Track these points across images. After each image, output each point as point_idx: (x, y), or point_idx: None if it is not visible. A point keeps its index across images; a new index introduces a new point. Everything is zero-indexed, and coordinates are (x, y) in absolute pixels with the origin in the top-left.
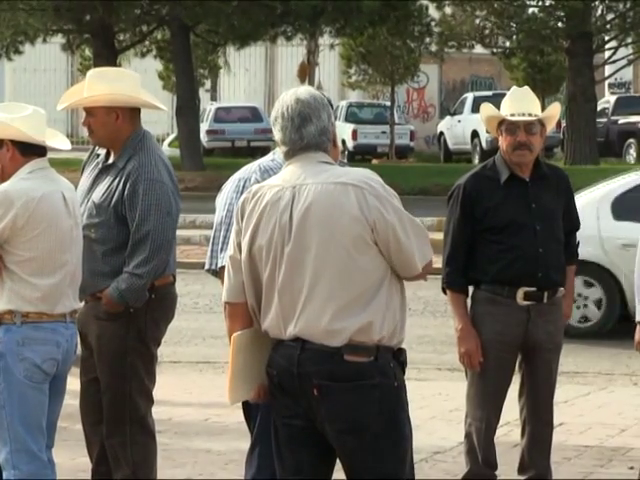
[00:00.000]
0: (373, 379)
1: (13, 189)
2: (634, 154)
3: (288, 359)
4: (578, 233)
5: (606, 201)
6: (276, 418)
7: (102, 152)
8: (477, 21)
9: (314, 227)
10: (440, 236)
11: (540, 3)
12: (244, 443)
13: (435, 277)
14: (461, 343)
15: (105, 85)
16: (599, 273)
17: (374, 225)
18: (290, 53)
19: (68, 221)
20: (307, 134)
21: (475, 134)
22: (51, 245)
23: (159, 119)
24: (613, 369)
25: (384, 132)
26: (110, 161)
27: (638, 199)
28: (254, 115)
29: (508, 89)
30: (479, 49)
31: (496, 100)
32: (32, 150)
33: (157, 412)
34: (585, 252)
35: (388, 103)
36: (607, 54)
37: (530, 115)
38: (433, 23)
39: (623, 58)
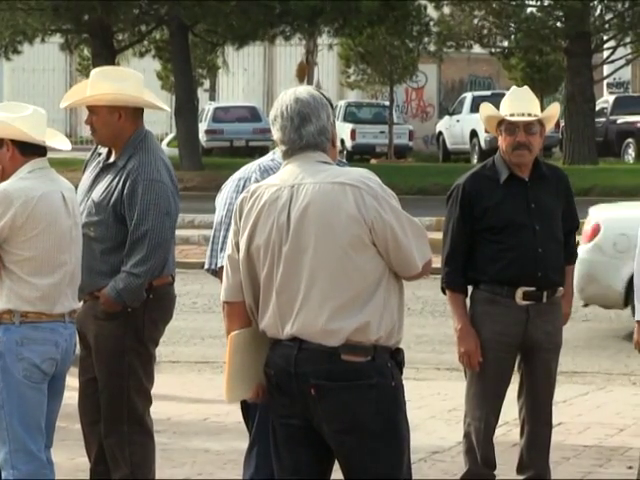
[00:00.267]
0: (370, 379)
1: (12, 188)
2: (633, 154)
3: (286, 359)
4: None
5: None
6: (274, 418)
7: (104, 151)
8: (475, 21)
9: (312, 227)
10: (439, 236)
11: (539, 3)
12: (243, 443)
13: (434, 277)
14: (460, 343)
15: (108, 84)
16: None
17: (372, 225)
18: (289, 53)
19: (67, 221)
20: (306, 134)
21: (474, 134)
22: (50, 245)
23: (158, 119)
24: (612, 369)
25: (383, 132)
26: (111, 160)
27: None
28: (253, 115)
29: (507, 89)
30: (478, 49)
31: (495, 100)
32: (32, 150)
33: (156, 412)
34: None
35: (387, 103)
36: (606, 54)
37: (530, 115)
38: (432, 23)
39: (622, 58)
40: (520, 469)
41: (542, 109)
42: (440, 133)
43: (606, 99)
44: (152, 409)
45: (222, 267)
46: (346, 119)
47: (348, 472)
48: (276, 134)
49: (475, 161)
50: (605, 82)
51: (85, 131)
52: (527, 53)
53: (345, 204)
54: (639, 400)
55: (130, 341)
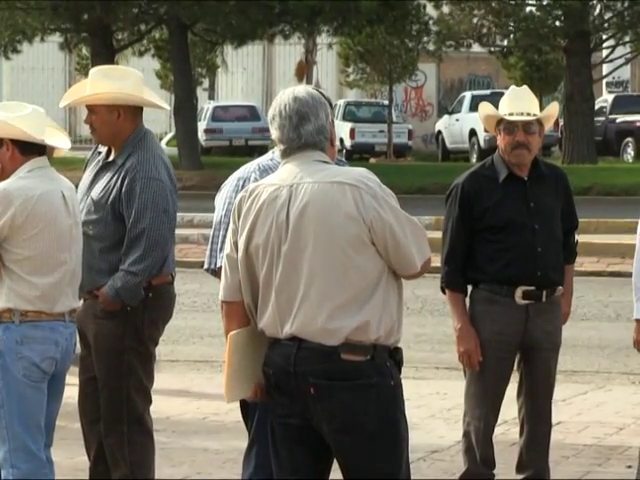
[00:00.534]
0: (370, 378)
1: (12, 187)
2: (632, 153)
3: (285, 358)
4: None
5: None
6: (273, 417)
7: (104, 150)
8: (475, 20)
9: (311, 226)
10: (438, 235)
11: (538, 2)
12: (242, 442)
13: (433, 276)
14: (460, 342)
15: (108, 83)
16: None
17: (371, 224)
18: (288, 52)
19: (67, 220)
20: (305, 133)
21: (473, 133)
22: (50, 244)
23: (157, 118)
24: (611, 368)
25: (382, 131)
26: (110, 158)
27: None
28: (252, 114)
29: (506, 88)
30: (477, 48)
31: (494, 99)
32: (32, 149)
33: (155, 411)
34: None
35: (386, 102)
36: (605, 53)
37: (529, 115)
38: (431, 22)
39: (621, 57)
40: (519, 468)
41: (541, 108)
42: (439, 132)
43: (605, 98)
44: (151, 408)
45: (221, 267)
46: (345, 118)
47: (347, 471)
48: (274, 133)
49: (474, 160)
50: (604, 81)
51: (84, 130)
52: (526, 52)
53: (344, 203)
54: (638, 399)
55: (130, 340)
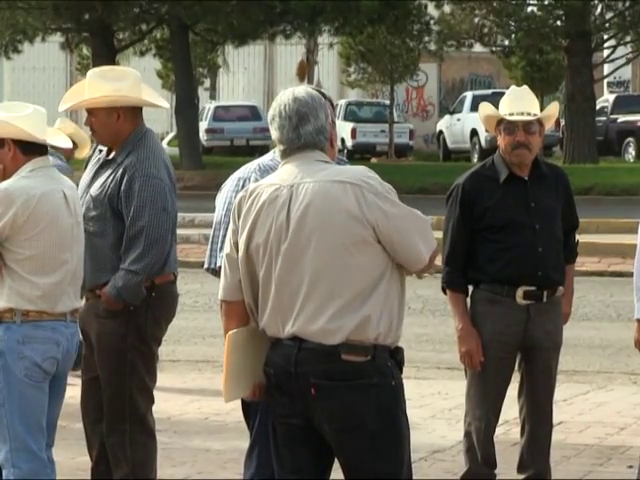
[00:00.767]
0: (371, 378)
1: (14, 187)
2: (633, 153)
3: (285, 358)
4: None
5: None
6: (274, 417)
7: (105, 148)
8: (476, 20)
9: (312, 225)
10: (439, 235)
11: (539, 2)
12: (243, 442)
13: (435, 276)
14: (462, 343)
15: (106, 85)
16: None
17: (376, 223)
18: (289, 52)
19: (69, 220)
20: (304, 133)
21: (474, 133)
22: (51, 243)
23: (158, 118)
24: (612, 368)
25: (383, 131)
26: (110, 157)
27: None
28: (253, 114)
29: (507, 88)
30: (478, 48)
31: (495, 99)
32: (33, 149)
33: (156, 411)
34: None
35: (387, 102)
36: (606, 53)
37: (529, 114)
38: (432, 22)
39: (622, 57)
40: (520, 468)
41: (542, 108)
42: (440, 132)
43: (606, 98)
44: (153, 408)
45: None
46: (346, 118)
47: (348, 471)
48: (274, 133)
49: (475, 160)
50: (605, 81)
51: (85, 131)
52: (527, 52)
53: (346, 203)
54: (639, 399)
55: (132, 339)
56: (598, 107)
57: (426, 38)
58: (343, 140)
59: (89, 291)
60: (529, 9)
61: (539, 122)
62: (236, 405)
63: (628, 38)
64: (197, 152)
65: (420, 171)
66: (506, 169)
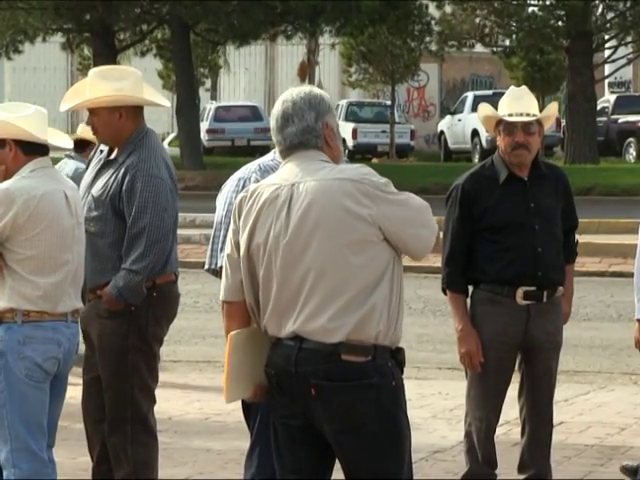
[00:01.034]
0: (371, 379)
1: (14, 187)
2: (634, 153)
3: (286, 359)
4: None
5: None
6: (275, 418)
7: (106, 148)
8: (477, 20)
9: (313, 224)
10: (440, 235)
11: (540, 2)
12: (244, 442)
13: (435, 276)
14: (462, 344)
15: (107, 85)
16: None
17: (380, 221)
18: (290, 52)
19: (70, 220)
20: (288, 135)
21: (475, 133)
22: (52, 244)
23: (159, 118)
24: (613, 368)
25: (384, 131)
26: (112, 157)
27: None
28: (254, 114)
29: (508, 88)
30: (479, 48)
31: (496, 99)
32: (34, 149)
33: (157, 411)
34: None
35: (388, 102)
36: (607, 53)
37: (528, 115)
38: (433, 22)
39: (623, 57)
40: (521, 468)
41: (543, 108)
42: (442, 132)
43: (607, 98)
44: (154, 408)
45: (222, 267)
46: (348, 118)
47: (349, 472)
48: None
49: (476, 160)
50: (606, 81)
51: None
52: (528, 52)
53: (347, 200)
54: None
55: (134, 339)
56: (599, 107)
57: (427, 38)
58: (344, 140)
59: (90, 291)
60: (530, 9)
61: (538, 122)
62: (237, 405)
63: (629, 38)
64: (198, 152)
65: (421, 171)
66: (505, 169)
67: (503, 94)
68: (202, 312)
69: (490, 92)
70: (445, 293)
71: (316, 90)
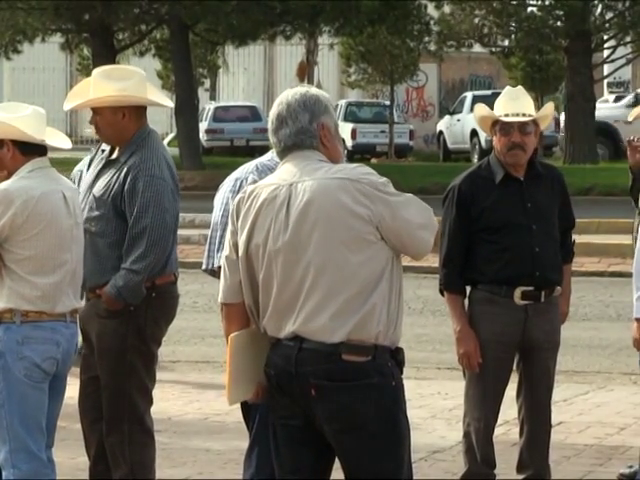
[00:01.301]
0: (371, 379)
1: (13, 187)
2: None
3: (286, 359)
4: None
5: None
6: (274, 418)
7: (107, 147)
8: (476, 20)
9: (312, 223)
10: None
11: (539, 2)
12: (243, 442)
13: (434, 276)
14: (460, 344)
15: (111, 85)
16: None
17: (381, 216)
18: (289, 52)
19: (68, 220)
20: (282, 137)
21: (474, 133)
22: (51, 244)
23: (158, 118)
24: (612, 368)
25: (383, 131)
26: (113, 156)
27: None
28: (253, 114)
29: None
30: (478, 48)
31: (495, 99)
32: (33, 149)
33: (156, 411)
34: None
35: (387, 102)
36: (606, 53)
37: (524, 115)
38: (432, 22)
39: (622, 57)
40: (520, 468)
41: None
42: (440, 132)
43: (606, 98)
44: (153, 409)
45: (220, 267)
46: (347, 119)
47: (349, 472)
48: None
49: (475, 160)
50: (605, 81)
51: (86, 130)
52: (527, 52)
53: (346, 199)
54: (639, 399)
55: (132, 339)
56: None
57: (426, 38)
58: (343, 140)
59: (90, 291)
60: (529, 9)
61: (534, 122)
62: (236, 405)
63: (628, 38)
64: (197, 153)
65: (420, 171)
66: (502, 170)
67: None
68: (201, 312)
69: (489, 92)
70: (443, 294)
71: (312, 91)
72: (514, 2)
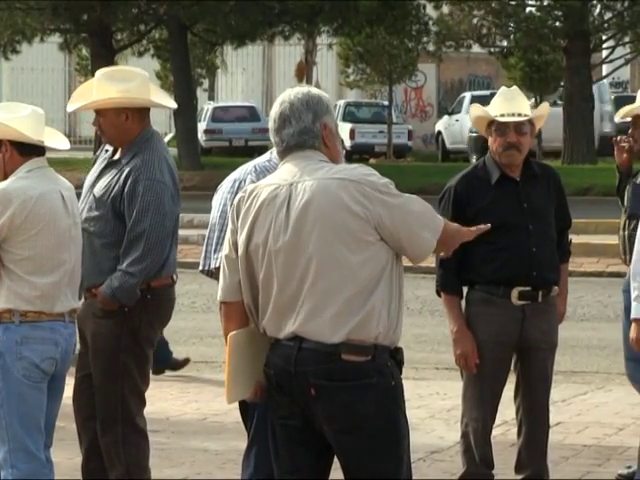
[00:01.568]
0: (370, 379)
1: (11, 188)
2: None
3: (285, 359)
4: None
5: None
6: (274, 418)
7: (111, 147)
8: (475, 20)
9: (312, 223)
10: None
11: (538, 2)
12: (241, 443)
13: (433, 277)
14: (457, 345)
15: (114, 86)
16: None
17: (380, 218)
18: (288, 52)
19: (66, 220)
20: (285, 136)
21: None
22: (49, 244)
23: (157, 119)
24: (611, 368)
25: (382, 131)
26: (115, 157)
27: None
28: (252, 114)
29: None
30: (477, 48)
31: None
32: (31, 150)
33: (154, 411)
34: None
35: (386, 102)
36: (605, 53)
37: (520, 115)
38: (431, 22)
39: (620, 57)
40: (518, 468)
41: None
42: (439, 133)
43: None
44: (151, 409)
45: (217, 268)
46: (345, 119)
47: (348, 472)
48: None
49: (474, 161)
50: (604, 82)
51: (84, 131)
52: (526, 52)
53: (346, 200)
54: (638, 399)
55: (126, 341)
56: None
57: (425, 39)
58: (342, 141)
59: (86, 290)
60: (528, 10)
61: (530, 122)
62: (234, 406)
63: (627, 39)
64: (196, 153)
65: (419, 171)
66: (498, 170)
67: None
68: (199, 312)
69: (488, 92)
70: (439, 295)
71: (314, 91)
72: (513, 2)
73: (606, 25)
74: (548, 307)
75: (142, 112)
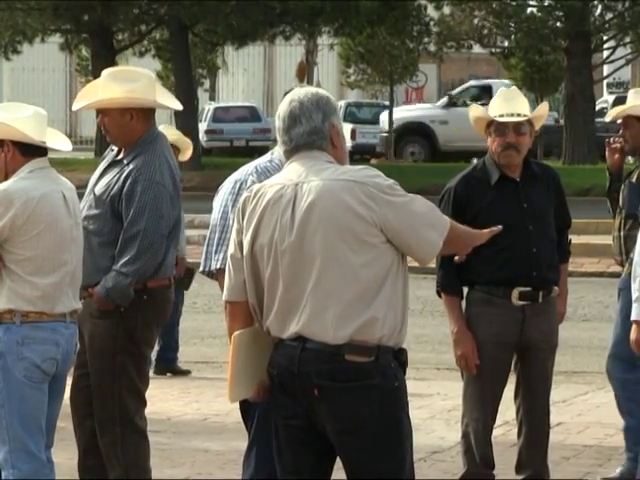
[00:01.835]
0: (374, 379)
1: (13, 188)
2: None
3: (289, 359)
4: None
5: None
6: (277, 418)
7: (116, 147)
8: (476, 21)
9: (317, 224)
10: None
11: (539, 3)
12: (242, 443)
13: (434, 277)
14: (457, 346)
15: (119, 86)
16: None
17: (385, 219)
18: (289, 53)
19: (68, 221)
20: (295, 135)
21: None
22: (51, 244)
23: (158, 119)
24: None
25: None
26: (119, 157)
27: None
28: (253, 115)
29: None
30: (478, 49)
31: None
32: (32, 150)
33: (155, 412)
34: None
35: (387, 103)
36: (605, 54)
37: (519, 115)
38: (432, 23)
39: (621, 58)
40: (518, 469)
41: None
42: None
43: (606, 99)
44: (152, 409)
45: (218, 269)
46: (346, 119)
47: (351, 472)
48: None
49: (475, 161)
50: (605, 82)
51: (86, 131)
52: (527, 53)
53: (351, 201)
54: None
55: (122, 341)
56: (598, 108)
57: (426, 39)
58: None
59: (84, 289)
60: (529, 10)
61: (529, 123)
62: (235, 406)
63: (628, 39)
64: (196, 153)
65: (419, 172)
66: (497, 171)
67: None
68: (200, 313)
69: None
70: (440, 295)
71: (322, 91)
72: (514, 3)
73: (607, 25)
74: (548, 307)
75: (147, 112)
